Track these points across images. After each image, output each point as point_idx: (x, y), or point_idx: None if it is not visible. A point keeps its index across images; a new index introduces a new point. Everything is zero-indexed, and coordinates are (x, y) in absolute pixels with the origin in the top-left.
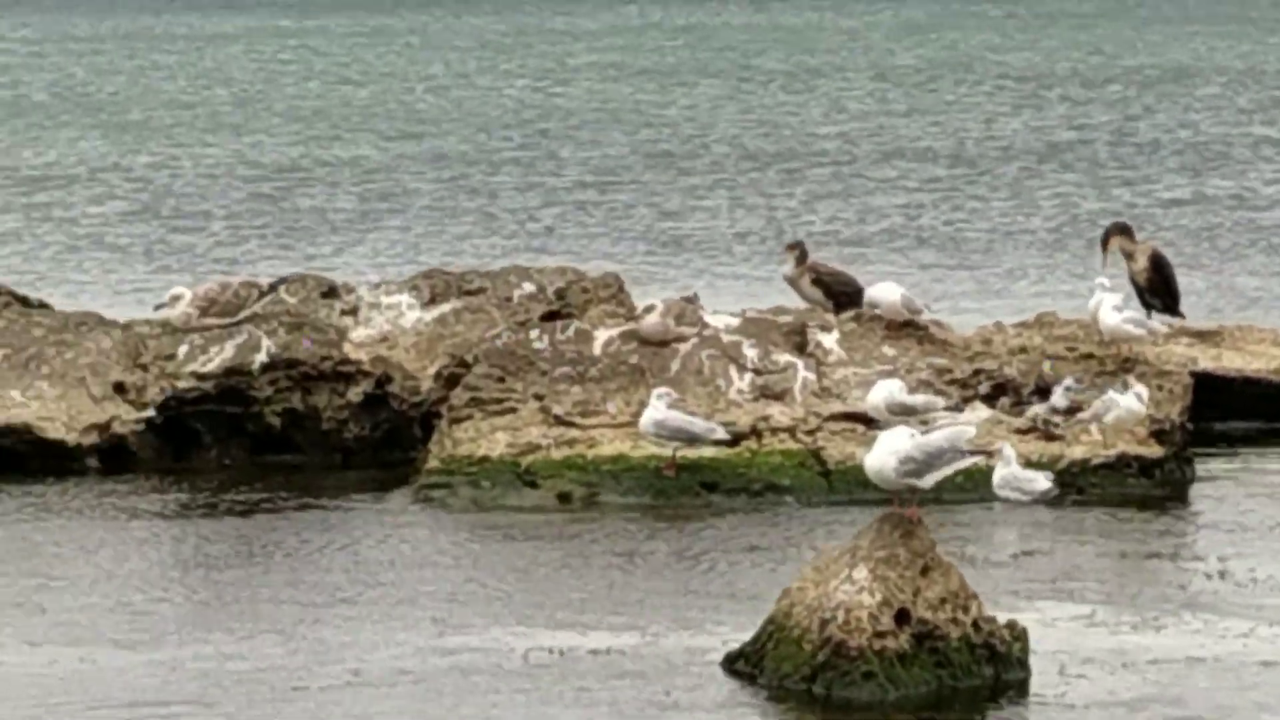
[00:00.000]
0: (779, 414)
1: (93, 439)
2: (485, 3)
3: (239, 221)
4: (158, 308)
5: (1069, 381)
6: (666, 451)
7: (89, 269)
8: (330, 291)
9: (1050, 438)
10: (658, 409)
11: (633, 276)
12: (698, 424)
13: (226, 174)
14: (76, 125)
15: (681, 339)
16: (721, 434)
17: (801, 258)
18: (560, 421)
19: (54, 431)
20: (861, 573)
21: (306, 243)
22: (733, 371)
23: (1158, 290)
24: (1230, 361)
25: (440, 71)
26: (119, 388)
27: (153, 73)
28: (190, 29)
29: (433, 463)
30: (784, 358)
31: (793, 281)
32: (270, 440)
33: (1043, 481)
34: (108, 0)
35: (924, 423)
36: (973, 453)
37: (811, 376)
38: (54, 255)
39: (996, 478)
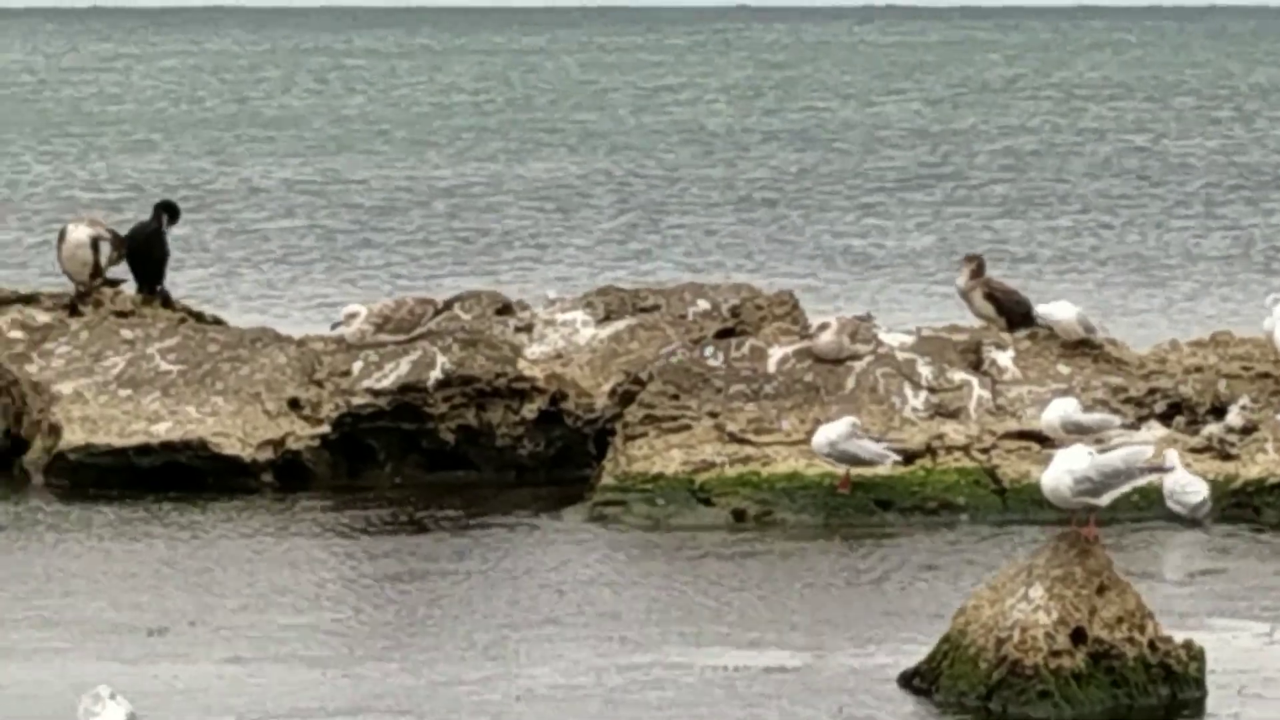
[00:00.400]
0: (953, 432)
1: (268, 455)
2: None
3: (414, 238)
4: (334, 326)
5: (1244, 400)
6: (840, 469)
7: (264, 284)
8: (505, 308)
9: (1226, 457)
10: (832, 429)
11: (808, 293)
12: (870, 448)
13: (406, 190)
14: (256, 140)
15: (856, 357)
16: (893, 459)
17: (977, 271)
18: (735, 439)
19: (229, 447)
20: (1037, 591)
21: (484, 259)
22: (907, 389)
23: None
24: None
25: (620, 85)
26: (294, 404)
27: (332, 91)
28: (375, 46)
29: (607, 480)
30: (959, 376)
31: (966, 294)
32: (444, 457)
33: (1199, 492)
34: (297, 18)
35: (1099, 441)
36: (1149, 471)
37: (986, 395)
38: (229, 270)
39: (1164, 487)
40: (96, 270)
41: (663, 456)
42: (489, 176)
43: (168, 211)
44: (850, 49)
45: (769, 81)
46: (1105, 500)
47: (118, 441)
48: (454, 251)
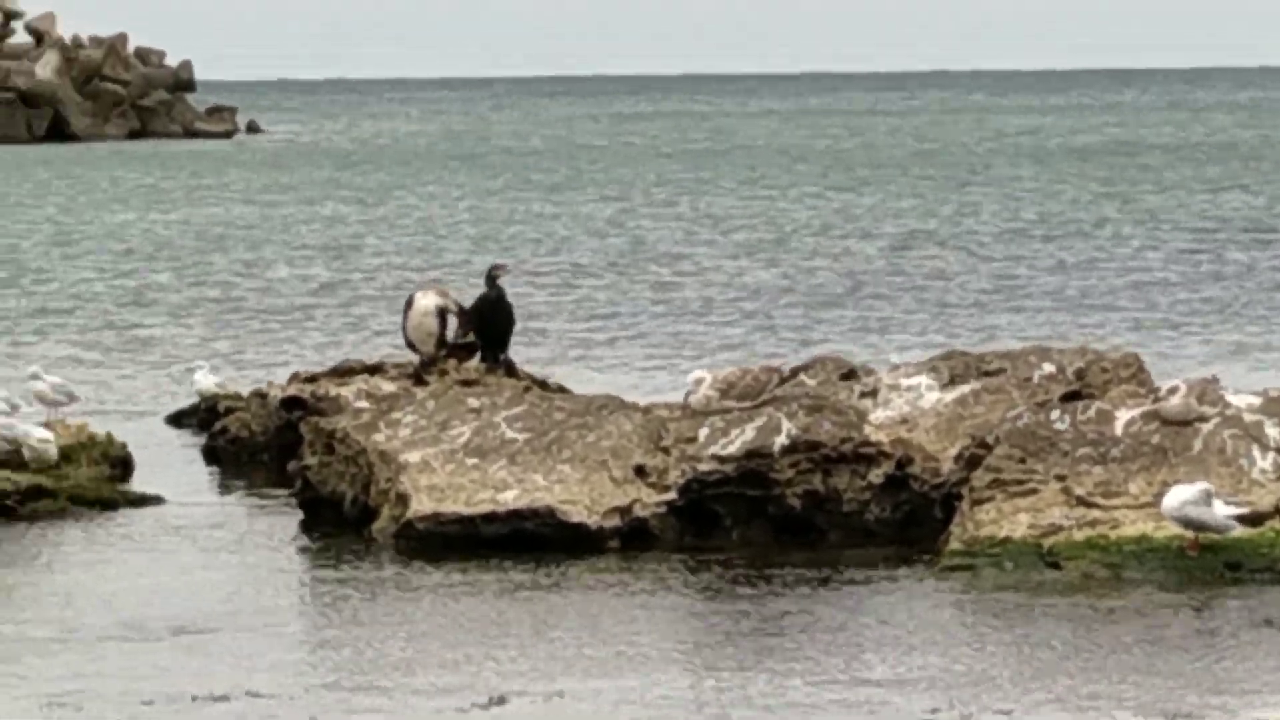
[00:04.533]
0: None
1: (614, 522)
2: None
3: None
4: (687, 395)
5: None
6: (1189, 532)
7: (607, 353)
8: (850, 374)
9: None
10: (1184, 492)
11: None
12: (1218, 517)
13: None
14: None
15: (1204, 419)
16: (1238, 529)
17: None
18: (1082, 502)
19: (576, 515)
20: None
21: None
22: (1255, 451)
23: None
24: None
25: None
26: (640, 470)
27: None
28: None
29: (954, 544)
30: None
31: None
32: (790, 523)
33: None
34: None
35: None
36: None
37: None
38: (573, 339)
39: None
40: (441, 340)
41: (1010, 520)
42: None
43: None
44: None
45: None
46: None
47: (465, 510)
48: (803, 322)
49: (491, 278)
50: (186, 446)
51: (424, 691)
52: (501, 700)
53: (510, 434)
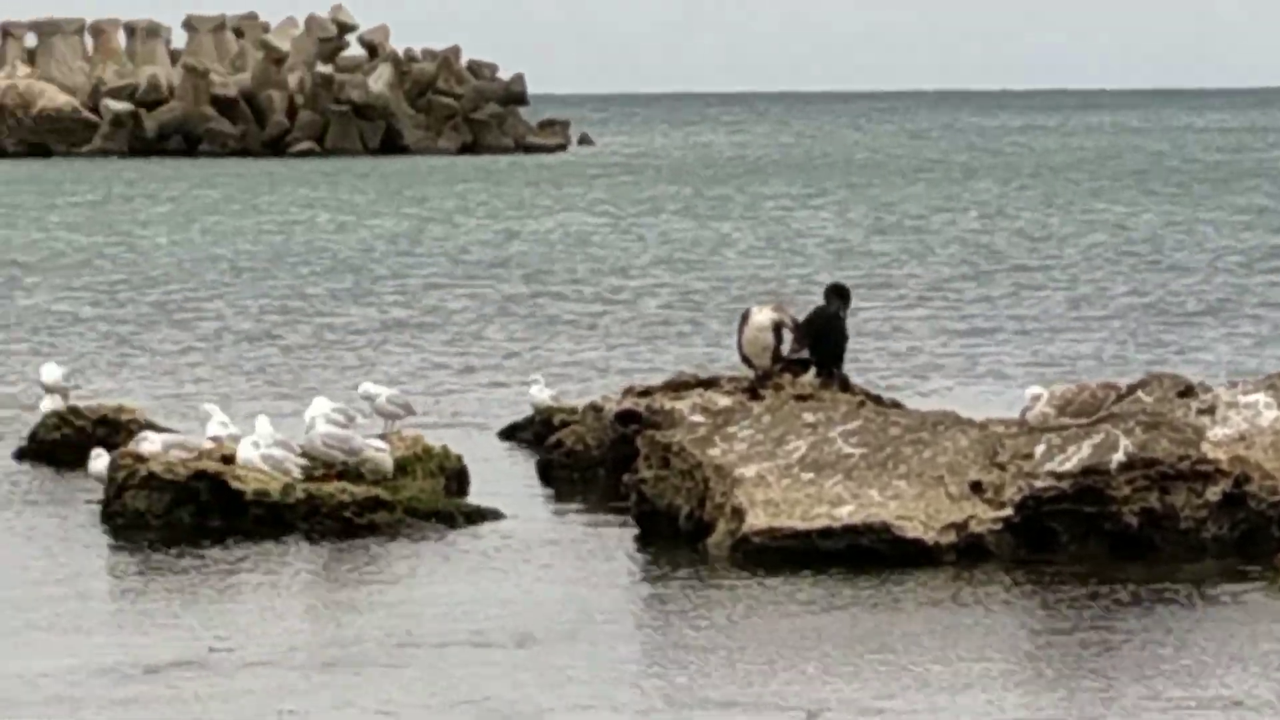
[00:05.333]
0: None
1: (950, 538)
2: None
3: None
4: (1024, 412)
5: None
6: None
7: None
8: (1187, 391)
9: None
10: None
11: None
12: None
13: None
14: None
15: None
16: None
17: None
18: None
19: (912, 530)
20: None
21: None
22: None
23: None
24: None
25: None
26: (976, 487)
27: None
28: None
29: None
30: None
31: None
32: (1126, 540)
33: None
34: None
35: None
36: None
37: None
38: (916, 353)
39: None
40: (777, 355)
41: None
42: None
43: (840, 296)
44: None
45: None
46: None
47: (801, 525)
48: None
49: (836, 292)
50: (521, 460)
51: (752, 706)
52: (819, 714)
53: (846, 449)
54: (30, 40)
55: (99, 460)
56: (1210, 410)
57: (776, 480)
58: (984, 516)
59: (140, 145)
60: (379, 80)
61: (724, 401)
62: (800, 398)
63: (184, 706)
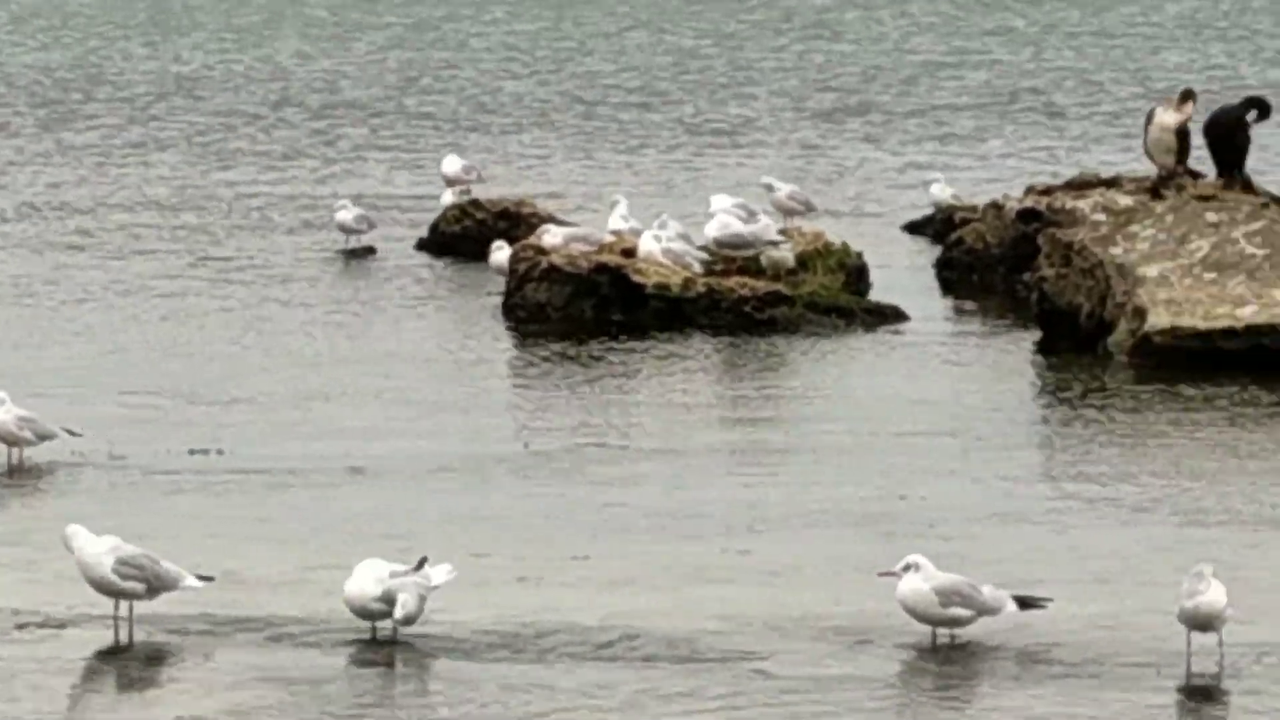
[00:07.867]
0: None
1: None
2: None
3: None
4: None
5: None
6: None
7: None
8: None
9: None
10: None
11: None
12: None
13: None
14: None
15: None
16: None
17: None
18: None
19: None
20: None
21: None
22: None
23: None
24: None
25: None
26: None
27: None
28: None
29: None
30: None
31: None
32: None
33: None
34: None
35: None
36: None
37: None
38: None
39: None
40: (1181, 155)
41: None
42: None
43: (1258, 107)
44: None
45: None
46: None
47: (1202, 324)
48: None
49: (1247, 103)
50: (920, 255)
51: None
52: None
53: (1249, 250)
54: None
55: (500, 252)
56: None
57: (1179, 280)
58: None
59: None
60: None
61: (1125, 201)
62: (1202, 198)
63: (585, 487)
